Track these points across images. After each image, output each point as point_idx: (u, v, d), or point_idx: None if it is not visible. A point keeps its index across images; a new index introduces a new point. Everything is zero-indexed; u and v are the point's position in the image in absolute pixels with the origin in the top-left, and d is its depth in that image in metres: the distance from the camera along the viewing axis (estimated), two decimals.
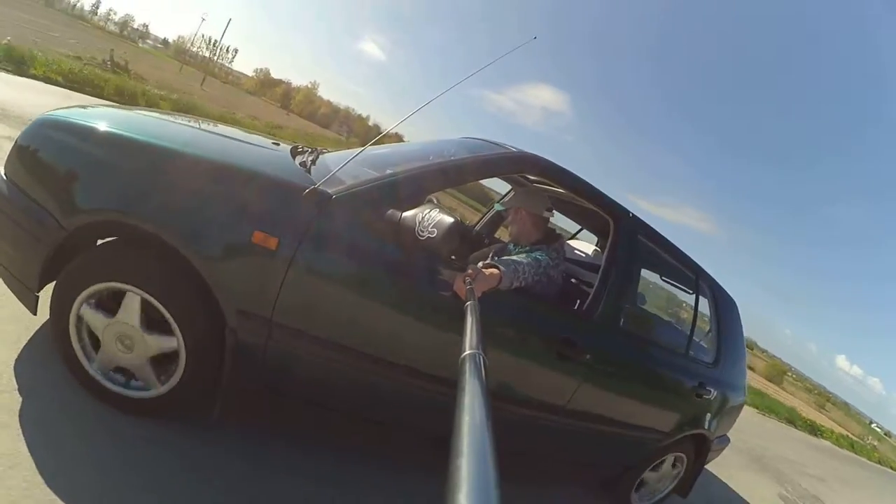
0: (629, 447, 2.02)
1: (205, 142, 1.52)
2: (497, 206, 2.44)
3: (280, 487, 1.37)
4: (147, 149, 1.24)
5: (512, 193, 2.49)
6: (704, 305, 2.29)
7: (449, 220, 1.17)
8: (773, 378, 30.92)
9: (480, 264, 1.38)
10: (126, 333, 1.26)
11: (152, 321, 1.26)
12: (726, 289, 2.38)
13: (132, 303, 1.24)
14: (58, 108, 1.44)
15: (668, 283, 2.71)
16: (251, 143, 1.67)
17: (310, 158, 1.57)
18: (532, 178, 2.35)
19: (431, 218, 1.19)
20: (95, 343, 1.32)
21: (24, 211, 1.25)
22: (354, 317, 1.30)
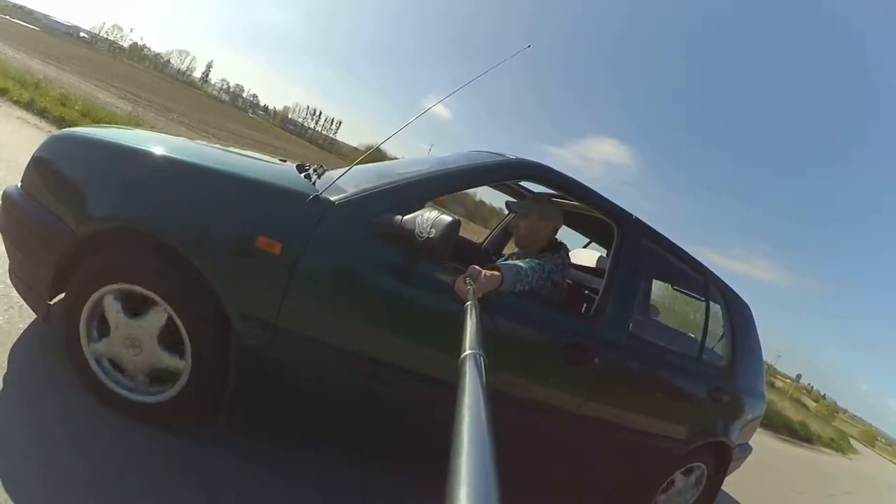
0: (645, 456, 1.95)
1: (212, 155, 1.58)
2: (508, 203, 2.42)
3: (285, 487, 1.36)
4: (155, 159, 1.30)
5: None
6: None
7: (447, 218, 1.18)
8: (868, 443, 29.71)
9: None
10: (139, 339, 1.27)
11: (168, 338, 1.27)
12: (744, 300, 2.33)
13: (158, 316, 1.25)
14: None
15: (679, 291, 2.67)
16: (257, 159, 1.74)
17: (315, 172, 1.62)
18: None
19: (429, 218, 1.21)
20: (102, 330, 1.32)
21: (38, 220, 1.30)
22: (356, 320, 1.31)
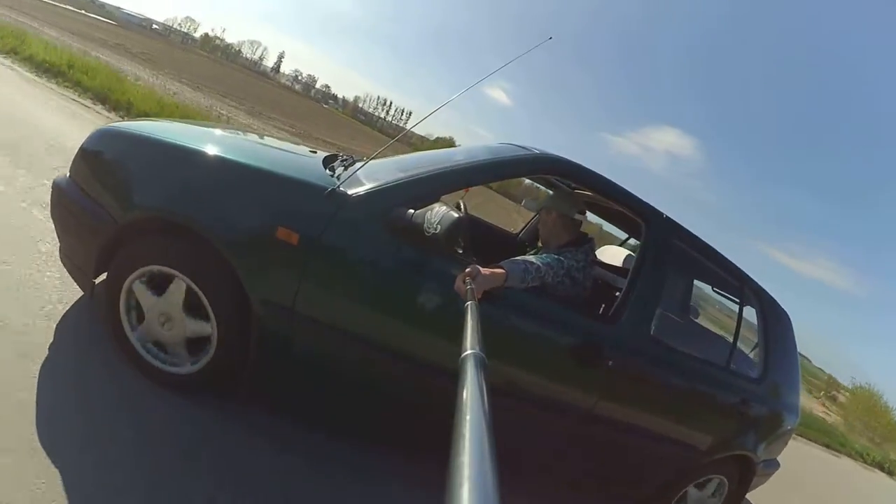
0: (659, 464, 1.90)
1: (243, 148, 1.65)
2: (525, 203, 2.40)
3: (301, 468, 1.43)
4: (188, 153, 1.40)
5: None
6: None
7: (453, 214, 1.20)
8: None
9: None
10: (168, 313, 1.39)
11: (193, 307, 1.38)
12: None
13: (178, 288, 1.37)
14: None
15: (718, 293, 2.54)
16: (287, 151, 1.79)
17: (342, 163, 1.65)
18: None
19: (437, 214, 1.23)
20: (140, 316, 1.45)
21: (84, 207, 1.42)
22: (367, 309, 1.36)
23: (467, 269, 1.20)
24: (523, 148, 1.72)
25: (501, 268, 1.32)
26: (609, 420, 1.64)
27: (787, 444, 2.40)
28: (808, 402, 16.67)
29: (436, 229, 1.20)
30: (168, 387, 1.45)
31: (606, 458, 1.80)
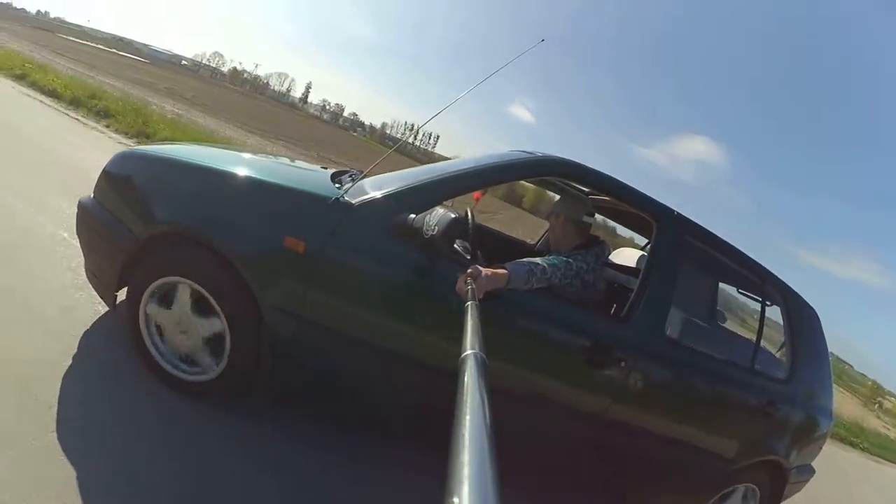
0: (682, 471, 1.82)
1: (253, 163, 1.72)
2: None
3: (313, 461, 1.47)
4: (200, 171, 1.48)
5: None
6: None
7: (450, 215, 1.22)
8: None
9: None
10: (182, 320, 1.45)
11: (201, 308, 1.44)
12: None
13: (183, 293, 1.44)
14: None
15: (742, 293, 2.45)
16: (298, 167, 1.87)
17: (350, 178, 1.70)
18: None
19: (435, 216, 1.25)
20: (160, 331, 1.52)
21: (108, 226, 1.51)
22: (374, 314, 1.39)
23: (469, 270, 1.21)
24: (528, 153, 1.72)
25: (504, 269, 1.32)
26: (623, 424, 1.60)
27: (821, 448, 2.27)
28: (862, 414, 15.52)
29: (433, 230, 1.23)
30: (194, 396, 1.50)
31: (622, 466, 1.74)
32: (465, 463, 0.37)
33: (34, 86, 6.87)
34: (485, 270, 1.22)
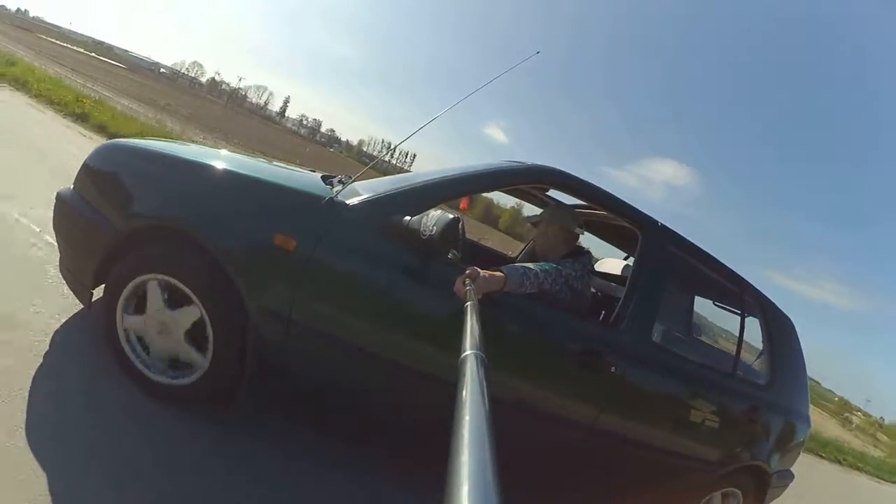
0: (669, 476, 1.83)
1: (241, 161, 1.69)
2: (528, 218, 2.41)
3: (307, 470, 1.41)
4: (187, 164, 1.45)
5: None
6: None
7: (448, 216, 1.22)
8: None
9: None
10: (159, 320, 1.39)
11: (174, 301, 1.38)
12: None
13: (153, 290, 1.37)
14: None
15: (719, 306, 2.52)
16: (286, 168, 1.84)
17: (340, 182, 1.68)
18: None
19: (432, 218, 1.25)
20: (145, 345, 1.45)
21: (86, 218, 1.44)
22: (365, 315, 1.36)
23: (467, 271, 1.21)
24: (519, 162, 1.76)
25: (501, 271, 1.33)
26: (613, 428, 1.60)
27: (799, 454, 2.33)
28: (844, 435, 15.65)
29: (431, 231, 1.22)
30: (173, 400, 1.43)
31: (611, 470, 1.74)
32: (465, 463, 0.36)
33: (103, 131, 5.60)
34: (483, 272, 1.23)
